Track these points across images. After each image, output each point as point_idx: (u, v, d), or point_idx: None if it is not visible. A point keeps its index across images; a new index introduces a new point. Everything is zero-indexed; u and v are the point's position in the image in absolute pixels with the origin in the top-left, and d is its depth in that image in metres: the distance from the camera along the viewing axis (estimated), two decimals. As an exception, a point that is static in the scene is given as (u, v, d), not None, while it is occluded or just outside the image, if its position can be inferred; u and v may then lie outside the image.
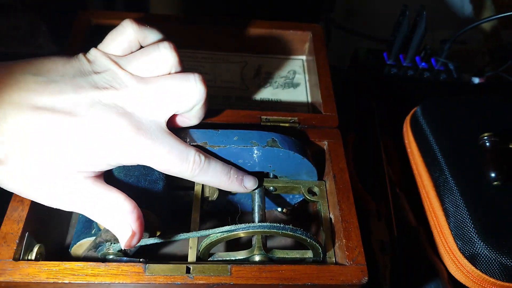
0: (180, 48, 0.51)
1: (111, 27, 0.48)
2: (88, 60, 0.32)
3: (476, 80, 0.61)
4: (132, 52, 0.33)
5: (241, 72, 0.50)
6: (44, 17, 0.63)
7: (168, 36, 0.49)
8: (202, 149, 0.35)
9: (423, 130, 0.51)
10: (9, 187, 0.30)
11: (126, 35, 0.33)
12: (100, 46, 0.34)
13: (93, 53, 0.33)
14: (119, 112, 0.30)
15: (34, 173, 0.29)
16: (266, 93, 0.49)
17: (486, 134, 0.48)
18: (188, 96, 0.32)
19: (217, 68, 0.50)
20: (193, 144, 0.35)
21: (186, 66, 0.49)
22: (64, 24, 0.50)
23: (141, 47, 0.34)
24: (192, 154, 0.32)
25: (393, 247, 0.46)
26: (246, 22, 0.50)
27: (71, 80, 0.30)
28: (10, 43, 0.61)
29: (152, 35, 0.34)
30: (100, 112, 0.29)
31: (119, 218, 0.30)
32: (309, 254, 0.35)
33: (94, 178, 0.31)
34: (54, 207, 0.31)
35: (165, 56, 0.32)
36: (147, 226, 0.34)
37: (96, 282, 0.31)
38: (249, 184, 0.36)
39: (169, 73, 0.33)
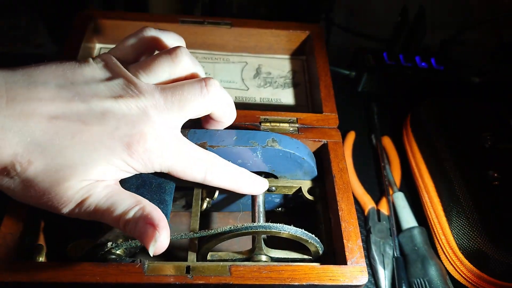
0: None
1: (111, 27, 0.49)
2: (100, 66, 0.31)
3: (476, 80, 0.61)
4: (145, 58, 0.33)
5: (241, 72, 0.50)
6: (44, 17, 0.63)
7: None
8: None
9: (423, 130, 0.51)
10: (25, 198, 0.29)
11: (142, 40, 0.33)
12: (113, 50, 0.33)
13: (105, 58, 0.32)
14: (132, 121, 0.29)
15: (52, 182, 0.28)
16: (266, 93, 0.49)
17: (486, 134, 0.48)
18: (200, 101, 0.32)
19: (217, 68, 0.50)
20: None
21: (186, 66, 0.50)
22: (64, 24, 0.50)
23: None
24: (209, 161, 0.32)
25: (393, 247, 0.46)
26: (246, 22, 0.50)
27: (82, 87, 0.29)
28: (10, 43, 0.61)
29: (170, 39, 0.34)
30: (113, 121, 0.29)
31: (144, 226, 0.29)
32: (309, 254, 0.35)
33: (111, 187, 0.30)
34: (73, 217, 0.30)
35: (176, 60, 0.32)
36: None
37: (96, 282, 0.31)
38: (260, 186, 0.36)
39: (182, 78, 0.33)
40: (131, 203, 0.30)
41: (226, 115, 0.35)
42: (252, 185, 0.36)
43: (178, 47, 0.32)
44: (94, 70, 0.31)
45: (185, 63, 0.32)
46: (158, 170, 0.31)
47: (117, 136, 0.29)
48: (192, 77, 0.33)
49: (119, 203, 0.30)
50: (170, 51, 0.32)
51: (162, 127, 0.30)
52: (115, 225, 0.30)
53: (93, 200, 0.29)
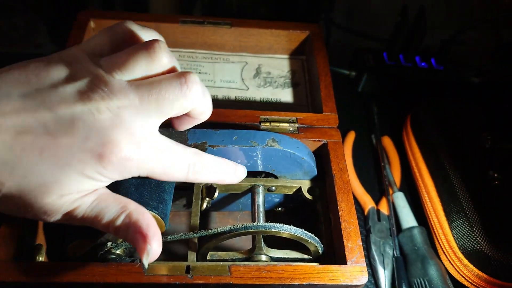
0: (180, 48, 0.51)
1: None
2: (66, 63, 0.28)
3: (476, 80, 0.61)
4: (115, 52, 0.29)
5: (241, 72, 0.50)
6: (44, 17, 0.63)
7: (168, 36, 0.50)
8: (199, 148, 0.35)
9: (423, 130, 0.51)
10: (9, 212, 0.29)
11: (120, 33, 0.30)
12: (86, 42, 0.30)
13: (71, 53, 0.29)
14: (104, 127, 0.26)
15: (31, 200, 0.27)
16: (266, 93, 0.49)
17: (486, 134, 0.48)
18: (180, 98, 0.28)
19: (217, 68, 0.50)
20: (193, 144, 0.35)
21: (186, 66, 0.50)
22: (64, 24, 0.50)
23: None
24: (190, 158, 0.30)
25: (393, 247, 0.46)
26: (246, 22, 0.50)
27: (48, 92, 0.27)
28: (9, 43, 0.61)
29: (149, 35, 0.31)
30: (82, 130, 0.26)
31: (134, 236, 0.28)
32: (309, 254, 0.35)
33: (96, 193, 0.29)
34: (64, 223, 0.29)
35: (154, 56, 0.28)
36: None
37: (96, 282, 0.31)
38: (241, 172, 0.35)
39: (159, 74, 0.29)
40: (117, 210, 0.29)
41: (204, 112, 0.32)
42: (233, 174, 0.34)
43: (156, 40, 0.29)
44: (59, 70, 0.28)
45: (163, 59, 0.29)
46: (136, 175, 0.29)
47: (88, 147, 0.26)
48: (170, 71, 0.30)
49: (105, 211, 0.29)
50: (147, 46, 0.28)
51: (138, 131, 0.27)
52: (107, 231, 0.29)
53: (80, 210, 0.28)
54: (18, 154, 0.26)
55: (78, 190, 0.27)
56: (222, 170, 0.33)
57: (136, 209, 0.29)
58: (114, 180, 0.28)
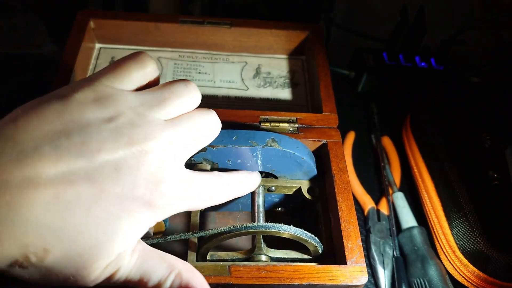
0: (180, 48, 0.51)
1: (111, 27, 0.49)
2: (91, 98, 0.25)
3: (476, 80, 0.61)
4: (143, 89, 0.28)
5: (241, 72, 0.50)
6: (44, 17, 0.63)
7: (168, 36, 0.50)
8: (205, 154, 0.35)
9: (423, 130, 0.51)
10: (43, 283, 0.24)
11: (146, 71, 0.28)
12: (107, 78, 0.27)
13: (99, 89, 0.26)
14: (149, 171, 0.25)
15: (78, 267, 0.24)
16: (266, 93, 0.49)
17: (486, 134, 0.48)
18: (213, 130, 0.30)
19: (217, 68, 0.50)
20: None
21: (185, 67, 0.50)
22: (64, 24, 0.50)
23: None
24: (217, 181, 0.30)
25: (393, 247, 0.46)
26: (246, 22, 0.50)
27: (82, 138, 0.23)
28: (9, 43, 0.61)
29: (157, 74, 0.30)
30: (129, 177, 0.24)
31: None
32: (308, 254, 0.35)
33: (138, 249, 0.26)
34: None
35: (194, 95, 0.29)
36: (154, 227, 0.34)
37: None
38: (257, 178, 0.36)
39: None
40: (165, 271, 0.27)
41: None
42: (251, 183, 0.35)
43: (186, 80, 0.29)
44: (85, 110, 0.24)
45: (198, 96, 0.29)
46: (177, 212, 0.28)
47: (137, 196, 0.24)
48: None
49: (151, 271, 0.26)
50: (185, 82, 0.29)
51: (179, 170, 0.27)
52: None
53: (123, 273, 0.25)
54: (63, 215, 0.22)
55: (126, 246, 0.25)
56: (244, 183, 0.34)
57: (184, 267, 0.28)
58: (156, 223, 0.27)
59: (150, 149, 0.25)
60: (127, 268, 0.26)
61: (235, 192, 0.33)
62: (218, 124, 0.30)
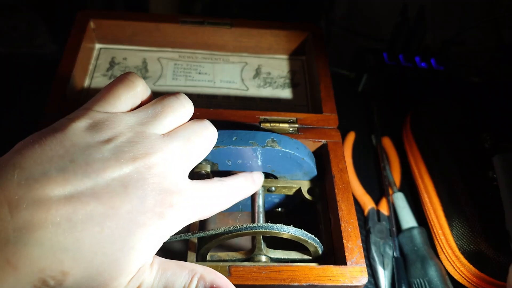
0: (180, 48, 0.52)
1: (111, 27, 0.49)
2: (86, 126, 0.26)
3: (476, 80, 0.61)
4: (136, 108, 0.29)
5: (241, 72, 0.50)
6: (44, 17, 0.63)
7: (168, 36, 0.50)
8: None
9: (423, 130, 0.51)
10: None
11: (136, 91, 0.29)
12: (99, 105, 0.27)
13: (93, 116, 0.26)
14: (156, 183, 0.25)
15: (99, 285, 0.24)
16: (266, 93, 0.49)
17: (486, 134, 0.48)
18: (210, 139, 0.30)
19: (217, 68, 0.50)
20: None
21: (185, 67, 0.50)
22: (64, 24, 0.50)
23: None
24: (219, 188, 0.31)
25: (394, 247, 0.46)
26: (246, 23, 0.50)
27: (85, 161, 0.24)
28: (10, 43, 0.61)
29: (148, 91, 0.30)
30: (137, 192, 0.24)
31: None
32: (308, 254, 0.35)
33: (156, 261, 0.27)
34: None
35: (187, 106, 0.29)
36: None
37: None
38: (259, 178, 0.36)
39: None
40: (187, 277, 0.27)
41: None
42: (254, 184, 0.35)
43: (180, 93, 0.30)
44: (84, 136, 0.25)
45: (191, 107, 0.30)
46: (189, 223, 0.28)
47: (147, 209, 0.25)
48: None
49: (173, 280, 0.27)
50: (177, 95, 0.29)
51: (184, 180, 0.27)
52: None
53: (144, 285, 0.26)
54: (77, 235, 0.22)
55: (146, 259, 0.25)
56: (246, 185, 0.34)
57: (205, 270, 0.28)
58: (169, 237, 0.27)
59: (153, 163, 0.25)
60: (149, 281, 0.26)
61: (239, 195, 0.33)
62: (214, 132, 0.30)
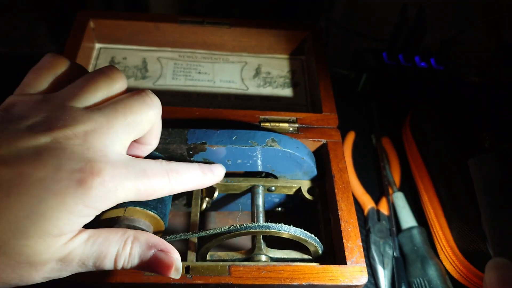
0: (180, 48, 0.51)
1: (111, 27, 0.49)
2: (12, 106, 0.26)
3: (476, 80, 0.61)
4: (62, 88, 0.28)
5: (241, 72, 0.50)
6: (44, 17, 0.63)
7: (168, 36, 0.50)
8: (195, 150, 0.35)
9: (423, 130, 0.51)
10: None
11: (57, 69, 0.29)
12: (22, 89, 0.28)
13: (15, 99, 0.27)
14: (76, 153, 0.25)
15: (9, 255, 0.23)
16: (265, 93, 0.49)
17: (486, 134, 0.48)
18: (146, 113, 0.28)
19: (216, 67, 0.50)
20: (192, 144, 0.35)
21: (185, 67, 0.50)
22: (64, 24, 0.50)
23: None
24: (164, 167, 0.29)
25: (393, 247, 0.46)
26: (246, 22, 0.50)
27: (1, 133, 0.24)
28: (10, 43, 0.61)
29: (80, 70, 0.30)
30: (52, 160, 0.24)
31: (155, 258, 0.27)
32: (308, 254, 0.35)
33: (86, 232, 0.26)
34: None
35: (115, 78, 0.28)
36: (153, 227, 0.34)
37: (96, 282, 0.31)
38: (219, 170, 0.33)
39: (117, 95, 0.29)
40: (120, 241, 0.27)
41: (158, 135, 0.31)
42: (213, 174, 0.33)
43: (111, 66, 0.29)
44: (4, 115, 0.26)
45: (122, 80, 0.29)
46: (122, 200, 0.26)
47: (63, 176, 0.24)
48: (125, 92, 0.30)
49: (106, 244, 0.26)
50: (103, 70, 0.29)
51: (110, 152, 0.26)
52: (116, 268, 0.27)
53: (76, 254, 0.25)
54: None
55: (64, 229, 0.24)
56: (199, 173, 0.32)
57: (137, 231, 0.28)
58: (98, 213, 0.26)
59: (73, 134, 0.25)
60: (79, 251, 0.25)
61: (186, 183, 0.31)
62: (151, 104, 0.29)
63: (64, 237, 0.25)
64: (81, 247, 0.25)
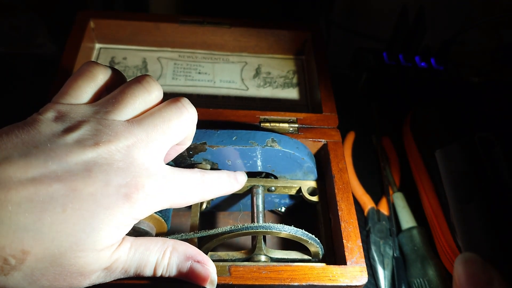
0: (180, 48, 0.52)
1: (111, 27, 0.49)
2: (52, 118, 0.27)
3: (476, 80, 0.61)
4: (101, 97, 0.29)
5: (241, 72, 0.50)
6: (44, 17, 0.63)
7: (168, 36, 0.50)
8: (195, 150, 0.35)
9: (423, 130, 0.51)
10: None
11: (96, 81, 0.29)
12: (63, 98, 0.29)
13: (53, 107, 0.28)
14: (121, 168, 0.26)
15: (63, 265, 0.24)
16: (265, 93, 0.49)
17: (485, 134, 0.48)
18: (184, 122, 0.29)
19: (216, 68, 0.50)
20: (192, 144, 0.35)
21: (185, 67, 0.50)
22: (64, 24, 0.50)
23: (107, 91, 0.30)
24: (197, 177, 0.31)
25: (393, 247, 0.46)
26: (246, 22, 0.50)
27: (50, 147, 0.25)
28: (10, 43, 0.61)
29: (117, 76, 0.31)
30: (101, 175, 0.25)
31: (192, 271, 0.29)
32: (308, 254, 0.35)
33: (128, 240, 0.28)
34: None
35: (151, 90, 0.29)
36: (156, 228, 0.34)
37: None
38: (242, 178, 0.36)
39: (154, 106, 0.30)
40: (160, 251, 0.28)
41: (192, 137, 0.32)
42: (237, 182, 0.35)
43: (145, 75, 0.30)
44: (49, 125, 0.26)
45: (158, 90, 0.30)
46: (159, 209, 0.28)
47: (111, 191, 0.25)
48: (162, 101, 0.31)
49: (147, 253, 0.28)
50: (141, 80, 0.29)
51: (151, 165, 0.27)
52: (155, 275, 0.28)
53: (120, 262, 0.27)
54: (38, 216, 0.23)
55: (112, 240, 0.26)
56: (227, 181, 0.34)
57: (175, 241, 0.29)
58: (138, 221, 0.27)
59: (116, 149, 0.26)
60: (123, 259, 0.27)
61: (219, 190, 0.33)
62: (188, 114, 0.30)
63: (112, 247, 0.26)
64: (124, 256, 0.27)
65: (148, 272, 0.28)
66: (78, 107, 0.28)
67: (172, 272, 0.29)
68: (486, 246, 0.37)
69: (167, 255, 0.28)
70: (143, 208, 0.27)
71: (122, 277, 0.28)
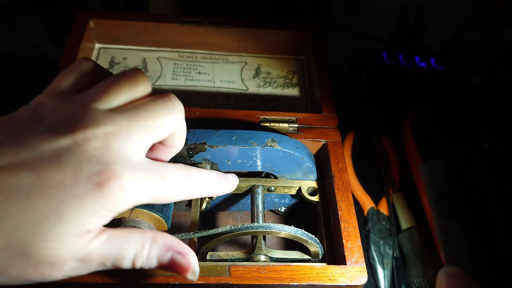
0: (180, 48, 0.52)
1: (110, 27, 0.49)
2: (35, 108, 0.27)
3: (476, 80, 0.61)
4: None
5: (241, 72, 0.50)
6: (44, 17, 0.63)
7: (168, 36, 0.50)
8: (194, 150, 0.35)
9: (423, 130, 0.51)
10: (9, 280, 0.24)
11: (83, 71, 0.29)
12: (48, 90, 0.28)
13: (39, 99, 0.27)
14: (96, 156, 0.25)
15: (29, 255, 0.24)
16: (265, 93, 0.49)
17: (485, 134, 0.48)
18: (167, 113, 0.28)
19: (216, 68, 0.50)
20: (192, 144, 0.35)
21: (185, 67, 0.50)
22: (64, 24, 0.50)
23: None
24: (183, 172, 0.29)
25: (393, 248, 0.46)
26: (246, 22, 0.50)
27: (24, 135, 0.25)
28: (10, 43, 0.61)
29: (105, 72, 0.30)
30: (71, 163, 0.24)
31: (173, 260, 0.28)
32: (308, 254, 0.35)
33: (105, 232, 0.26)
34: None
35: (137, 81, 0.28)
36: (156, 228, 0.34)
37: (96, 283, 0.31)
38: (233, 180, 0.34)
39: (140, 99, 0.29)
40: (139, 243, 0.27)
41: (183, 138, 0.31)
42: (227, 183, 0.34)
43: (135, 68, 0.29)
44: (27, 116, 0.26)
45: (146, 83, 0.29)
46: (138, 203, 0.27)
47: (81, 180, 0.24)
48: (149, 95, 0.30)
49: (125, 245, 0.27)
50: (127, 72, 0.29)
51: (130, 155, 0.26)
52: (134, 268, 0.27)
53: (96, 254, 0.26)
54: (2, 205, 0.23)
55: (81, 230, 0.25)
56: (217, 181, 0.32)
57: (156, 233, 0.28)
58: (115, 215, 0.26)
59: (93, 136, 0.25)
60: (99, 252, 0.26)
61: (204, 190, 0.31)
62: (173, 108, 0.29)
63: (83, 238, 0.25)
64: (100, 248, 0.26)
65: (126, 264, 0.27)
66: (60, 96, 0.28)
67: (153, 263, 0.28)
68: (468, 260, 0.37)
69: (146, 247, 0.27)
70: (118, 199, 0.25)
71: (99, 269, 0.27)
